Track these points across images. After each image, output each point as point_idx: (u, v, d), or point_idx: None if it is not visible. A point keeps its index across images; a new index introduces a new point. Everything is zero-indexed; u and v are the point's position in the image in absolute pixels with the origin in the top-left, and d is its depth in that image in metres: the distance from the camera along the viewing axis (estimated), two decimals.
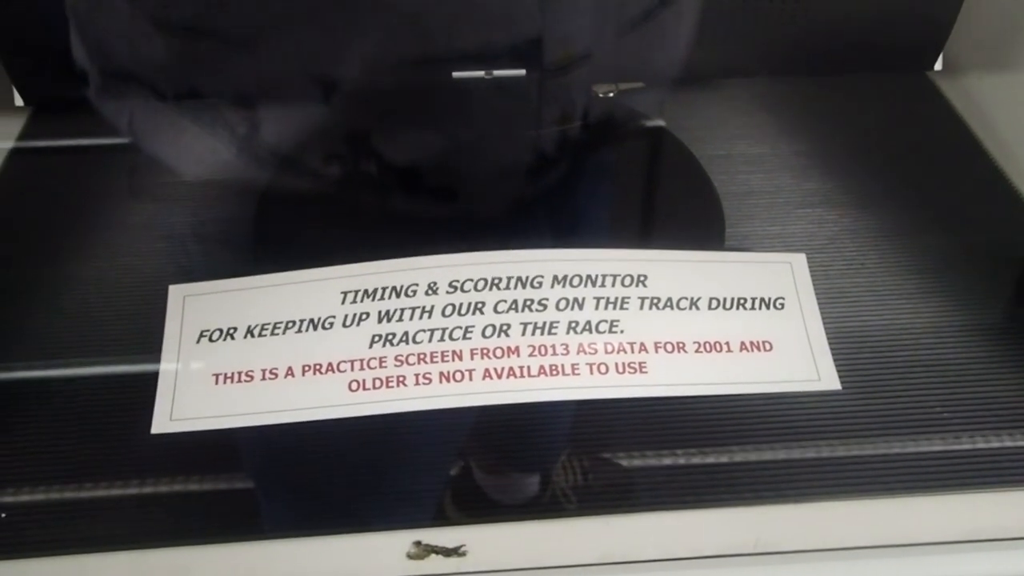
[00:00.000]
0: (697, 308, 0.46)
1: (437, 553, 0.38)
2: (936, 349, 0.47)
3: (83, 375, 0.45)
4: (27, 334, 0.47)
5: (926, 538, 0.39)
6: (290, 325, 0.44)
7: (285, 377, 0.43)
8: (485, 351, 0.43)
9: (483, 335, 0.44)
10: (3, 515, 0.39)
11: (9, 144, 0.59)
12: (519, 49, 0.52)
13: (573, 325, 0.44)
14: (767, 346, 0.45)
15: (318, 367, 0.43)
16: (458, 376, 0.42)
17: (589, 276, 0.46)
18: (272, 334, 0.44)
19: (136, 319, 0.47)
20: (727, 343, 0.45)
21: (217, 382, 0.43)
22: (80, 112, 0.57)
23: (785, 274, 0.48)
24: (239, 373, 0.43)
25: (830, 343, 0.45)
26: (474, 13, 0.52)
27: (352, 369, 0.43)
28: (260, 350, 0.44)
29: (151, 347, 0.44)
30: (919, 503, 0.40)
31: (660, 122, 0.60)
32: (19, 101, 0.60)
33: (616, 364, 0.43)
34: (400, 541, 0.38)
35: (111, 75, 0.56)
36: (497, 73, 0.53)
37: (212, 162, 0.56)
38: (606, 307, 0.45)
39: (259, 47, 0.55)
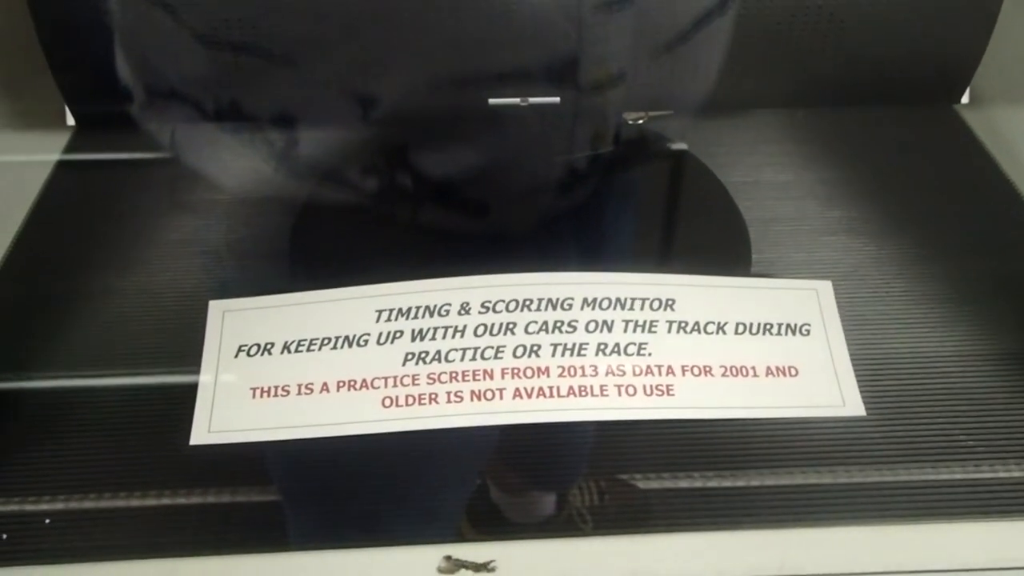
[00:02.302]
0: (724, 333, 0.46)
1: (467, 568, 0.39)
2: (961, 377, 0.47)
3: (124, 387, 0.47)
4: (71, 346, 0.49)
5: (950, 565, 0.39)
6: (326, 342, 0.45)
7: (320, 392, 0.44)
8: (516, 371, 0.44)
9: (514, 355, 0.45)
10: (47, 520, 0.41)
11: (54, 158, 0.61)
12: (555, 70, 0.53)
13: (602, 347, 0.45)
14: (793, 371, 0.45)
15: (352, 383, 0.44)
16: (489, 395, 0.43)
17: (618, 299, 0.47)
18: (308, 350, 0.45)
19: (176, 333, 0.48)
20: (753, 368, 0.45)
21: (254, 396, 0.44)
22: (123, 128, 0.59)
23: (811, 301, 0.48)
24: (275, 388, 0.44)
25: (855, 370, 0.46)
26: (511, 34, 0.53)
27: (385, 386, 0.44)
28: (296, 365, 0.45)
29: (191, 361, 0.45)
30: (943, 530, 0.41)
31: (687, 148, 0.61)
32: (71, 120, 0.62)
33: (644, 386, 0.44)
34: (431, 555, 0.39)
35: (155, 92, 0.57)
36: (532, 100, 0.54)
37: (252, 178, 0.58)
38: (635, 330, 0.46)
39: (300, 65, 0.56)
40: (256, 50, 0.55)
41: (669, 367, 0.45)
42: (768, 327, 0.47)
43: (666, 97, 0.61)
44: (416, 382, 0.44)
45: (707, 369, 0.45)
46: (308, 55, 0.56)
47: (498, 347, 0.45)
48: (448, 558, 0.39)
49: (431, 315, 0.46)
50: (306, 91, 0.58)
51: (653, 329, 0.46)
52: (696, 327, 0.46)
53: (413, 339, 0.45)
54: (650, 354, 0.45)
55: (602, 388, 0.44)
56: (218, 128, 0.58)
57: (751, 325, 0.47)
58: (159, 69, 0.57)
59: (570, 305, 0.46)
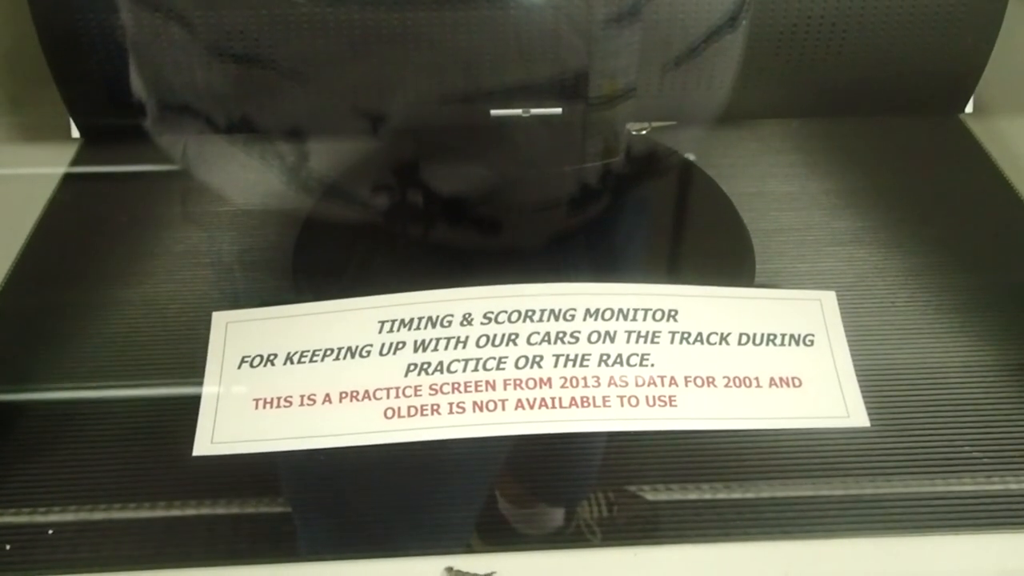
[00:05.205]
0: (727, 343, 0.46)
1: None
2: (966, 388, 0.47)
3: (128, 397, 0.47)
4: (75, 358, 0.49)
5: None
6: (328, 353, 0.45)
7: (322, 403, 0.44)
8: (518, 382, 0.44)
9: (516, 366, 0.45)
10: (50, 531, 0.41)
11: (61, 171, 0.61)
12: (564, 84, 0.53)
13: (604, 358, 0.45)
14: (796, 382, 0.45)
15: (355, 394, 0.44)
16: (491, 406, 0.43)
17: (621, 310, 0.47)
18: (311, 361, 0.45)
19: (180, 344, 0.49)
20: (756, 378, 0.45)
21: (257, 407, 0.44)
22: (128, 140, 0.59)
23: (815, 311, 0.48)
24: (278, 398, 0.44)
25: (859, 380, 0.45)
26: (520, 50, 0.53)
27: (388, 397, 0.44)
28: (299, 376, 0.45)
29: (194, 371, 0.45)
30: (947, 542, 0.40)
31: (692, 159, 0.61)
32: (75, 133, 0.63)
33: (646, 397, 0.44)
34: (432, 567, 0.39)
35: (167, 106, 0.58)
36: (534, 111, 0.54)
37: (260, 190, 0.58)
38: (637, 340, 0.46)
39: (311, 80, 0.57)
40: (268, 63, 0.56)
41: (672, 378, 0.45)
42: (771, 338, 0.47)
43: (676, 110, 0.62)
44: (418, 393, 0.44)
45: (710, 380, 0.45)
46: (319, 69, 0.56)
47: (500, 358, 0.45)
48: (449, 569, 0.39)
49: (433, 326, 0.46)
50: (317, 105, 0.58)
51: (656, 340, 0.46)
52: (699, 338, 0.46)
53: (415, 350, 0.45)
54: (653, 365, 0.45)
55: (604, 399, 0.44)
56: (229, 141, 0.59)
57: (754, 336, 0.47)
58: (172, 82, 0.57)
59: (572, 316, 0.46)
